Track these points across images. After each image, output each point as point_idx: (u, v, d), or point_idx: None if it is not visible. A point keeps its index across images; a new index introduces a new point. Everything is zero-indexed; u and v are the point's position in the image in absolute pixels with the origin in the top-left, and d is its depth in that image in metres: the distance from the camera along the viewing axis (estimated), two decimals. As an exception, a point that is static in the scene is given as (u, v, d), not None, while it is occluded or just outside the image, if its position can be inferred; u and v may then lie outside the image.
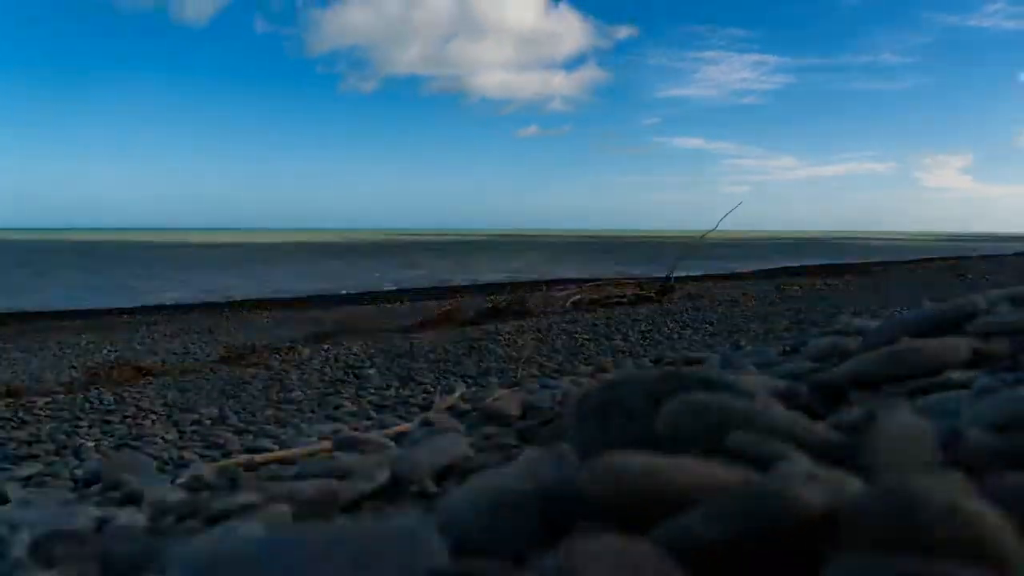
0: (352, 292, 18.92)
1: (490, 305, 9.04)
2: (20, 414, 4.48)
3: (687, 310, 7.36)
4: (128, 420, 4.15)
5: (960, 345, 1.27)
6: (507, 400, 2.57)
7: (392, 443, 2.20)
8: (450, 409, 2.96)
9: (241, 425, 3.79)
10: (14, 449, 3.45)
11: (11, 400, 5.02)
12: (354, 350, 6.42)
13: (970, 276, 10.01)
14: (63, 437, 3.71)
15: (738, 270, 24.87)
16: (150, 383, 5.55)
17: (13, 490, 2.12)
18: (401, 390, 4.40)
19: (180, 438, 3.58)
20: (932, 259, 28.56)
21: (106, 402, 4.77)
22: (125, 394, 5.02)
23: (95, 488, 2.14)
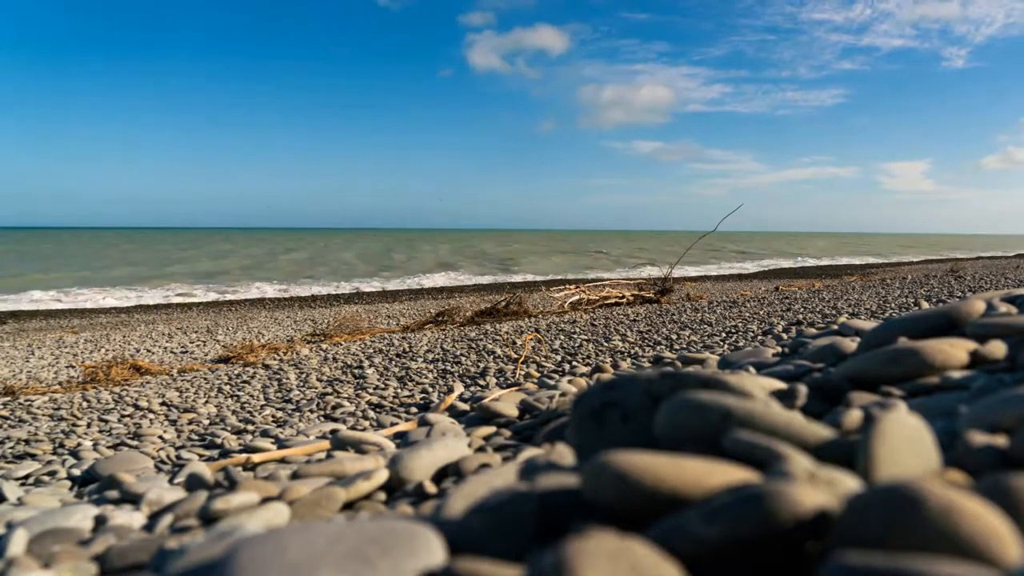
0: (350, 292, 18.92)
1: (489, 305, 9.04)
2: (17, 413, 4.48)
3: (686, 311, 7.36)
4: (126, 419, 4.15)
5: (958, 346, 1.27)
6: (506, 400, 2.57)
7: (391, 443, 2.20)
8: (449, 409, 2.96)
9: (239, 424, 3.78)
10: (11, 448, 3.44)
11: (8, 399, 5.02)
12: (352, 350, 6.42)
13: (967, 277, 10.02)
14: (61, 436, 3.71)
15: (737, 271, 25.03)
16: (148, 382, 5.54)
17: (10, 489, 2.12)
18: (400, 390, 4.40)
19: (178, 437, 3.58)
20: (930, 260, 28.71)
21: (104, 401, 4.77)
22: (123, 393, 5.02)
23: (93, 487, 2.13)
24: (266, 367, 5.82)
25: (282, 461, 2.13)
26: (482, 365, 4.94)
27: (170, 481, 1.97)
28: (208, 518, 1.32)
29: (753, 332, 5.25)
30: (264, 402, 4.48)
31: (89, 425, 4.02)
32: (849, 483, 0.63)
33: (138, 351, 7.83)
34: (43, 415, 4.40)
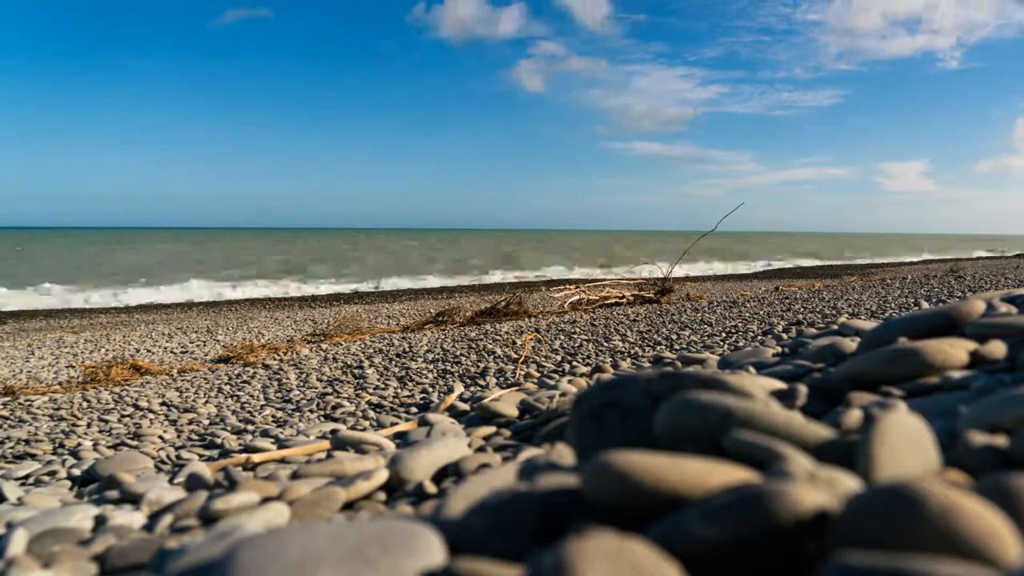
0: (350, 292, 18.92)
1: (489, 305, 9.04)
2: (17, 413, 4.48)
3: (686, 311, 7.36)
4: (126, 419, 4.15)
5: (958, 346, 1.27)
6: (506, 400, 2.57)
7: (391, 443, 2.20)
8: (449, 409, 2.96)
9: (239, 424, 3.78)
10: (11, 448, 3.44)
11: (8, 399, 5.02)
12: (352, 350, 6.42)
13: (967, 277, 10.02)
14: (61, 436, 3.71)
15: (737, 271, 25.05)
16: (148, 382, 5.54)
17: (10, 489, 2.12)
18: (400, 390, 4.40)
19: (178, 437, 3.58)
20: (930, 260, 28.77)
21: (104, 401, 4.77)
22: (123, 393, 5.02)
23: (93, 487, 2.14)
24: (266, 367, 5.82)
25: (282, 461, 2.13)
26: (482, 365, 4.94)
27: (170, 481, 1.97)
28: (208, 518, 1.32)
29: (753, 332, 5.25)
30: (264, 402, 4.48)
31: (89, 425, 4.02)
32: (849, 483, 0.63)
33: (138, 351, 7.83)
34: (43, 415, 4.40)
